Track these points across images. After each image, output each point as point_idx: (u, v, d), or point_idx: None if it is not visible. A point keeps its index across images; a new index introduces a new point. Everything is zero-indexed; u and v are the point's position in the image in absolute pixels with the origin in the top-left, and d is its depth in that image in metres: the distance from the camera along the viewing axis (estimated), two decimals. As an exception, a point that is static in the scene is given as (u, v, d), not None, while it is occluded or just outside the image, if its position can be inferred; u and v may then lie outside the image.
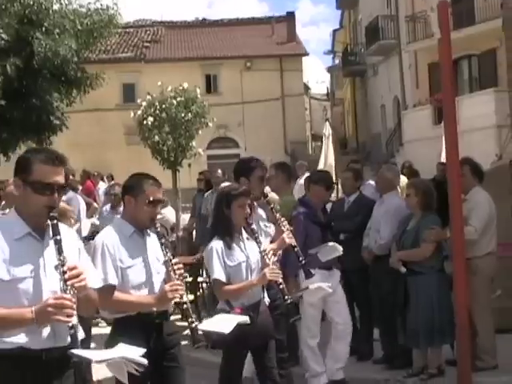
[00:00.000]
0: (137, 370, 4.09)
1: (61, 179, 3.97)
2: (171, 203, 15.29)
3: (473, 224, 7.90)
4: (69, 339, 3.81)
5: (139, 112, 15.51)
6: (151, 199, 5.08)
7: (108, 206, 12.15)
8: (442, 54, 7.72)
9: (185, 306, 4.94)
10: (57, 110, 22.74)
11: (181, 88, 15.60)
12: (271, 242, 6.75)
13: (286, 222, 6.71)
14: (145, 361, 4.13)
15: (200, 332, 5.36)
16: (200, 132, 15.87)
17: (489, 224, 8.08)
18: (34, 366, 3.79)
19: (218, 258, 5.87)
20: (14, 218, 3.96)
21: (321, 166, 13.31)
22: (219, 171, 12.79)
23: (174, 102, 15.22)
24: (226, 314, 5.78)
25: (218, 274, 5.84)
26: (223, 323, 5.50)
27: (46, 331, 3.84)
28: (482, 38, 28.10)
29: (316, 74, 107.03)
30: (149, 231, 5.19)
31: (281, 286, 6.01)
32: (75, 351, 3.72)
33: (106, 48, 38.76)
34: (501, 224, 8.43)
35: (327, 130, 14.61)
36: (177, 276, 4.93)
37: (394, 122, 37.78)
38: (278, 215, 6.69)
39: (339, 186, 11.88)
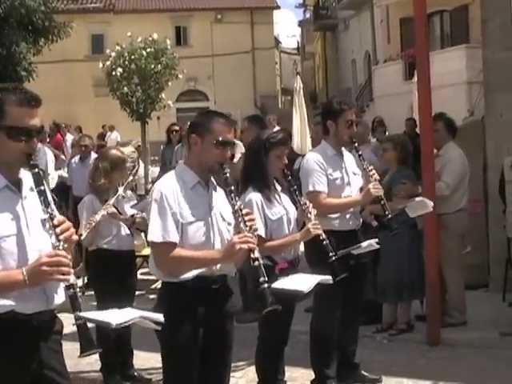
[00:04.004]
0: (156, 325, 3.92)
1: (38, 122, 3.49)
2: (140, 156, 15.13)
3: (445, 180, 7.87)
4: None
5: (108, 63, 15.27)
6: (220, 139, 4.38)
7: (77, 158, 11.98)
8: (417, 7, 7.64)
9: (255, 262, 4.21)
10: (24, 60, 22.29)
11: (150, 39, 15.39)
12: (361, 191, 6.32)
13: (374, 171, 6.22)
14: (161, 317, 3.90)
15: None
16: (170, 84, 15.70)
17: (461, 180, 8.06)
18: (24, 330, 3.42)
19: (258, 211, 5.34)
20: None
21: (294, 120, 13.16)
22: (189, 123, 12.65)
23: (144, 53, 15.01)
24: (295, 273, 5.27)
25: (260, 230, 5.13)
26: (301, 282, 5.00)
27: (38, 293, 3.45)
28: (455, -7, 27.99)
29: (288, 27, 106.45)
30: (215, 184, 4.53)
31: (324, 243, 5.45)
32: (85, 314, 3.35)
33: (74, -3, 38.22)
34: (472, 181, 8.42)
35: (298, 84, 14.43)
36: (247, 228, 4.25)
37: (365, 77, 37.76)
38: (365, 163, 6.22)
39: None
